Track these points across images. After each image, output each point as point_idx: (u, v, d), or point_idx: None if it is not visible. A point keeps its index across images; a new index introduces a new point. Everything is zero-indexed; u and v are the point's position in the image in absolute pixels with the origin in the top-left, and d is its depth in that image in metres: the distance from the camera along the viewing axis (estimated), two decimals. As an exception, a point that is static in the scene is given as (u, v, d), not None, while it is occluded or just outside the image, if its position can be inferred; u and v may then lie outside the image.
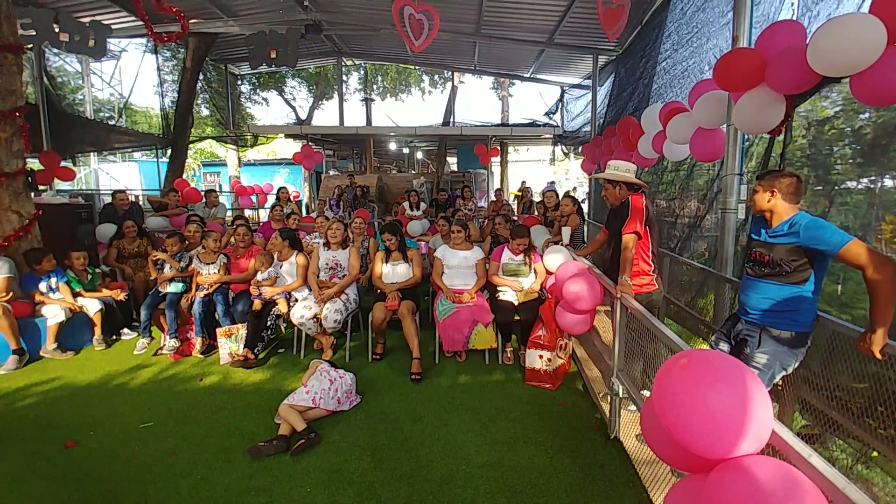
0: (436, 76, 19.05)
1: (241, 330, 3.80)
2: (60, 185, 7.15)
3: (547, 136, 12.07)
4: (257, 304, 3.84)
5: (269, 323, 3.80)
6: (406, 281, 3.88)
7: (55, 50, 7.80)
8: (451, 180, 12.05)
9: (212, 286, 4.02)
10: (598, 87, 8.55)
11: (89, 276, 4.41)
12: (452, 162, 15.68)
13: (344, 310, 3.76)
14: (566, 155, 13.88)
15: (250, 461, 2.45)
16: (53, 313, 3.95)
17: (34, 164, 5.18)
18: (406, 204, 7.67)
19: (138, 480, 2.32)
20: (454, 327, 3.62)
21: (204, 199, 7.16)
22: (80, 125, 8.25)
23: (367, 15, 8.49)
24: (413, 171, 15.73)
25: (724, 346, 2.33)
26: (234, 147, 11.87)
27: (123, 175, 14.92)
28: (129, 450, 2.58)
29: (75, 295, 4.19)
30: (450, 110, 12.92)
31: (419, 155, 17.19)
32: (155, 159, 11.45)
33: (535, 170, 21.28)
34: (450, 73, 14.76)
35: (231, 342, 3.80)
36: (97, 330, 4.20)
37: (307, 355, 3.90)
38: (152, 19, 7.16)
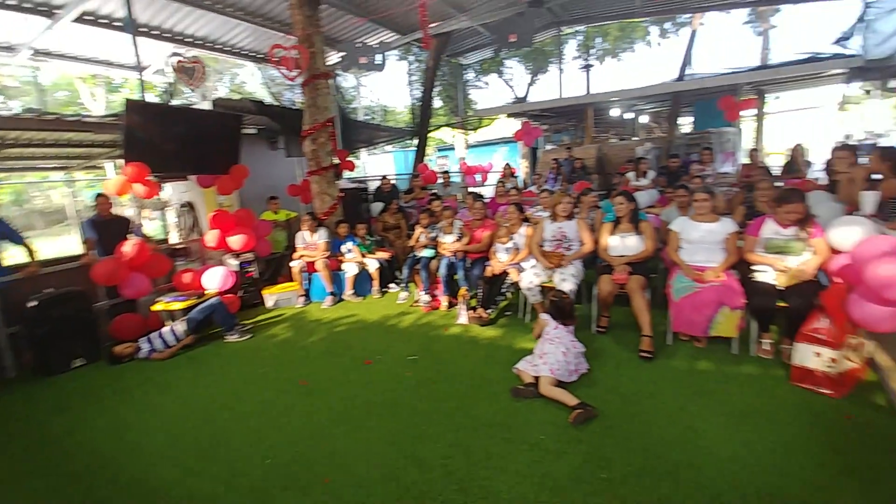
0: (666, 24, 16.48)
1: (477, 292, 4.36)
2: (347, 174, 9.51)
3: (836, 71, 8.95)
4: (489, 271, 4.33)
5: (502, 289, 4.23)
6: (637, 254, 3.67)
7: (338, 71, 10.27)
8: (686, 143, 10.37)
9: (455, 253, 4.72)
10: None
11: (368, 242, 5.82)
12: (684, 123, 13.44)
13: (574, 279, 3.83)
14: (868, 94, 10.08)
15: (491, 402, 2.85)
16: (350, 268, 5.41)
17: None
18: (631, 174, 7.09)
19: (413, 397, 3.01)
20: (693, 308, 3.25)
21: (440, 180, 8.38)
22: (356, 127, 10.70)
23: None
24: (635, 138, 14.26)
25: None
26: (462, 131, 13.25)
27: (382, 163, 18.64)
28: (404, 373, 3.37)
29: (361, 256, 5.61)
30: (687, 61, 11.01)
31: (643, 119, 15.42)
32: (403, 149, 13.91)
33: (806, 120, 16.08)
34: (687, 15, 12.51)
35: (468, 301, 4.41)
36: (375, 283, 5.54)
37: (531, 320, 4.19)
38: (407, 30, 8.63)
